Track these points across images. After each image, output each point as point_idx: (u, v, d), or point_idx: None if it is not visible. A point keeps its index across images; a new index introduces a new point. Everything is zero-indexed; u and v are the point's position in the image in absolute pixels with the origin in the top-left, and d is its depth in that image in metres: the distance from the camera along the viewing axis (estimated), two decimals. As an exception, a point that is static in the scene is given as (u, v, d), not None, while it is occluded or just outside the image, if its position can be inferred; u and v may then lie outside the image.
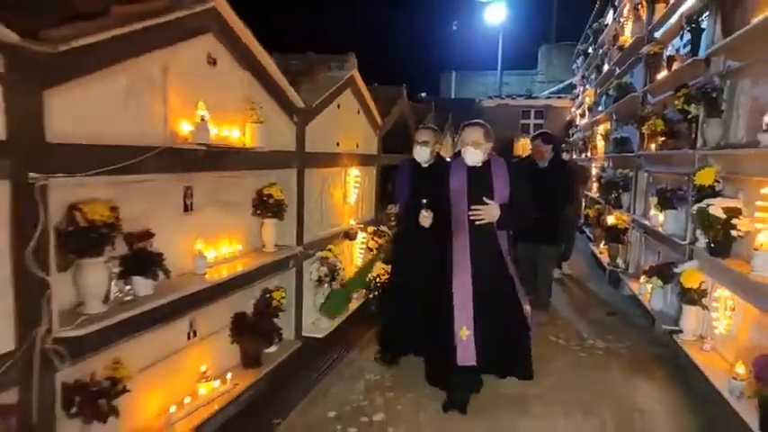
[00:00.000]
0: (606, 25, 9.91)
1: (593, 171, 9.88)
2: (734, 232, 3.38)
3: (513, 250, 3.91)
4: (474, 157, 3.50)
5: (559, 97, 17.10)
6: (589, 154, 10.80)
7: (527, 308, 3.70)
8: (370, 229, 5.44)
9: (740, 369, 3.11)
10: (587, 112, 11.83)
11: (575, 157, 12.03)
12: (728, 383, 3.15)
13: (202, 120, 2.72)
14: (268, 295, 3.69)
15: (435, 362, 3.73)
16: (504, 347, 3.64)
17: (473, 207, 3.44)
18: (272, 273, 3.78)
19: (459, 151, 3.59)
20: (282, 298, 3.75)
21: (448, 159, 4.21)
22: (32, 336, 1.93)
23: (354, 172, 5.19)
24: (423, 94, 17.29)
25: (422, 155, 4.15)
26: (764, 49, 3.34)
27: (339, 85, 4.64)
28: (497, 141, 4.23)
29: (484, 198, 3.43)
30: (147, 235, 2.55)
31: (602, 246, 7.72)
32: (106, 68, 2.17)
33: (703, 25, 4.38)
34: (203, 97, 2.80)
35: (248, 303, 3.61)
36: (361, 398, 3.54)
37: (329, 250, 4.46)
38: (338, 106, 4.74)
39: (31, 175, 1.87)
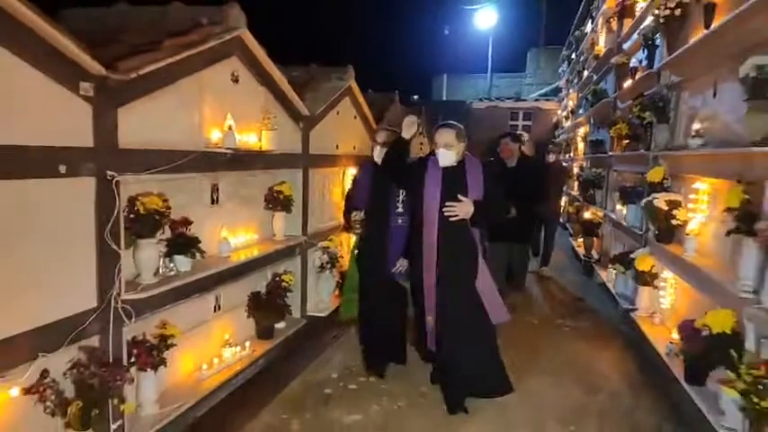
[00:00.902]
0: (586, 34, 10.54)
1: (575, 170, 10.52)
2: (674, 221, 4.00)
3: (486, 248, 4.01)
4: (447, 157, 3.57)
5: (547, 100, 17.73)
6: (572, 154, 11.45)
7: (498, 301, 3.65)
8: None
9: (675, 335, 3.74)
10: (570, 115, 12.48)
11: (561, 157, 12.67)
12: (666, 347, 3.78)
13: (230, 128, 3.32)
14: (278, 278, 4.28)
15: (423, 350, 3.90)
16: (467, 347, 3.57)
17: (447, 204, 3.50)
18: (281, 258, 4.38)
19: (433, 151, 3.63)
20: (290, 280, 4.34)
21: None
22: (109, 296, 2.51)
23: (351, 171, 5.78)
24: (415, 97, 17.92)
25: (381, 156, 4.11)
26: (697, 67, 3.97)
27: (338, 95, 5.23)
28: (486, 142, 4.77)
29: (458, 195, 3.49)
30: (186, 222, 3.14)
31: (579, 239, 8.35)
32: (160, 90, 2.76)
33: (657, 42, 5.00)
34: (230, 109, 3.40)
35: (262, 284, 4.20)
36: (360, 364, 4.13)
37: (330, 240, 5.06)
38: (337, 113, 5.34)
39: (109, 172, 2.45)
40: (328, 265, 5.04)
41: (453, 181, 3.56)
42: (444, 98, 20.61)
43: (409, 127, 3.73)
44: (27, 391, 2.11)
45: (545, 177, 6.66)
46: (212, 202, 3.60)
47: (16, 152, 2.05)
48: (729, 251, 3.12)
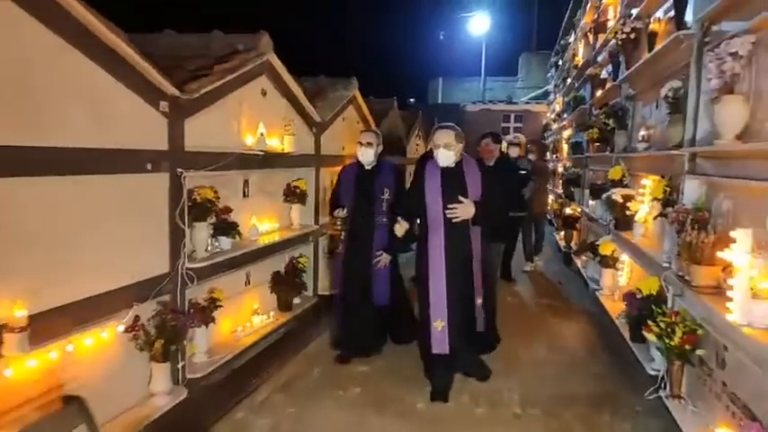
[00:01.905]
0: (569, 43, 11.35)
1: (560, 170, 11.31)
2: (628, 212, 4.79)
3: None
4: (446, 158, 3.66)
5: (537, 102, 18.56)
6: (557, 155, 12.26)
7: (479, 301, 3.83)
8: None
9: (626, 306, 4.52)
10: (557, 118, 13.28)
11: (547, 157, 13.49)
12: (619, 316, 4.56)
13: (261, 134, 4.09)
14: (295, 260, 5.05)
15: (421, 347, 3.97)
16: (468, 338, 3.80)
17: (449, 206, 3.56)
18: (297, 244, 5.15)
19: (431, 152, 3.88)
20: (305, 263, 5.11)
21: (388, 160, 4.65)
22: (177, 264, 3.28)
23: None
24: (411, 100, 18.73)
25: (366, 156, 4.39)
26: (645, 82, 4.77)
27: (344, 103, 6.01)
28: (480, 143, 5.32)
29: (459, 197, 3.56)
30: (228, 210, 3.90)
31: (561, 233, 9.15)
32: (212, 105, 3.54)
33: (620, 59, 5.79)
34: (260, 119, 4.17)
35: (281, 265, 4.96)
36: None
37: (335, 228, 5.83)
38: (343, 119, 6.11)
39: (178, 169, 3.22)
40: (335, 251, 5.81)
41: (453, 182, 3.64)
42: (440, 101, 21.40)
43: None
44: (127, 330, 2.87)
45: (521, 179, 6.96)
46: (244, 195, 4.36)
47: (119, 153, 2.82)
48: (659, 232, 3.91)
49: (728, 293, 2.30)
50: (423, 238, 3.75)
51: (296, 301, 5.09)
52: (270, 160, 4.41)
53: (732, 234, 2.31)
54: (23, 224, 2.30)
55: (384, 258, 4.35)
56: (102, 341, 2.70)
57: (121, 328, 2.83)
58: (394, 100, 8.53)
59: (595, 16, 7.79)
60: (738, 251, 2.25)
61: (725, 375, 2.71)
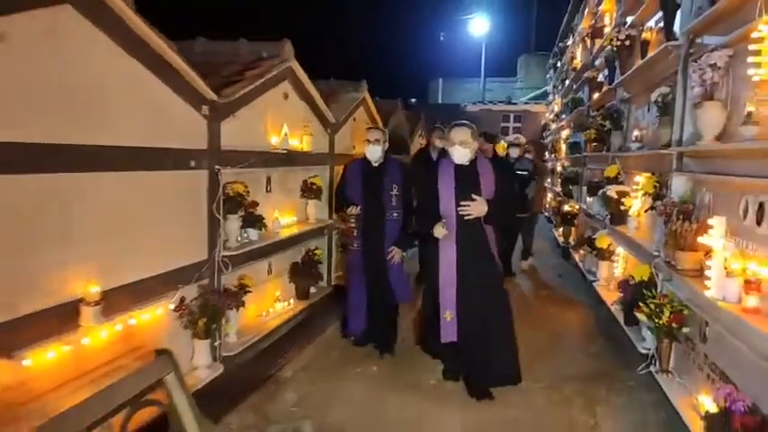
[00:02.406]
0: (568, 46, 11.71)
1: (558, 169, 11.67)
2: (622, 207, 5.15)
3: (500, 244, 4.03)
4: (462, 155, 3.67)
5: (536, 103, 18.91)
6: (556, 155, 12.62)
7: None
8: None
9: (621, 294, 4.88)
10: (556, 119, 13.64)
11: (546, 156, 13.87)
12: (614, 303, 4.92)
13: (285, 135, 4.44)
14: (311, 252, 5.40)
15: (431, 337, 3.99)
16: (490, 338, 3.71)
17: (462, 203, 3.58)
18: (313, 237, 5.49)
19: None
20: (320, 254, 5.46)
21: (393, 157, 4.72)
22: (213, 252, 3.63)
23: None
24: (413, 100, 19.05)
25: (374, 153, 4.41)
26: (639, 86, 5.12)
27: (355, 105, 6.36)
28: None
29: (472, 194, 3.59)
30: (255, 204, 4.25)
31: (560, 229, 9.50)
32: (244, 108, 3.88)
33: (616, 64, 6.14)
34: (283, 120, 4.52)
35: (298, 257, 5.30)
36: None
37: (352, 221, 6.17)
38: (354, 120, 6.46)
39: (216, 166, 3.57)
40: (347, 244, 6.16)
41: (467, 180, 3.67)
42: (440, 101, 21.76)
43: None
44: (176, 309, 3.22)
45: (523, 180, 7.32)
46: (266, 191, 4.71)
47: (169, 152, 3.17)
48: (651, 225, 4.27)
49: (706, 273, 2.66)
50: (433, 236, 3.72)
51: (312, 290, 5.44)
52: (291, 158, 4.76)
53: (709, 221, 2.67)
54: (94, 214, 2.65)
55: (397, 253, 4.37)
56: (156, 317, 3.05)
57: (172, 306, 3.18)
58: (399, 101, 8.88)
59: (593, 22, 8.15)
60: (715, 236, 2.61)
61: (706, 348, 3.07)
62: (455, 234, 3.65)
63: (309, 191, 5.34)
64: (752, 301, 2.34)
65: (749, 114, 2.52)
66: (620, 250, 5.52)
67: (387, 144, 4.52)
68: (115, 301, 2.71)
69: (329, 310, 5.44)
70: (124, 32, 2.72)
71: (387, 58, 26.50)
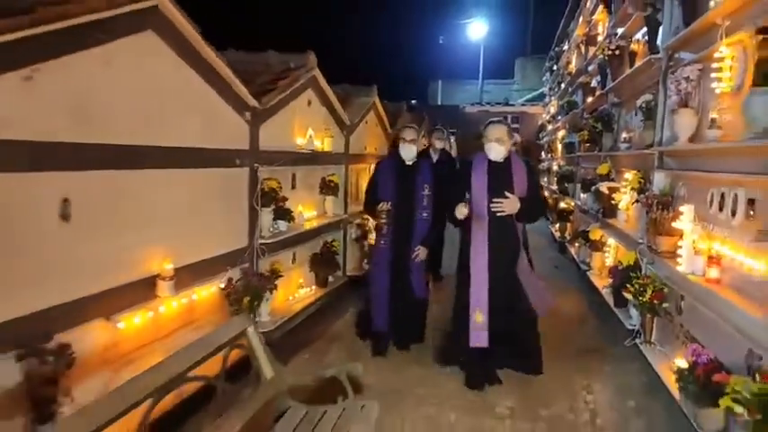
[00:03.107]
0: (564, 51, 12.24)
1: (554, 168, 12.20)
2: (613, 202, 5.68)
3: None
4: (497, 152, 3.71)
5: (533, 104, 19.46)
6: (552, 155, 13.16)
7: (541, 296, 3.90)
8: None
9: (611, 279, 5.41)
10: (552, 120, 14.18)
11: (542, 156, 14.40)
12: (605, 288, 5.45)
13: (310, 137, 4.95)
14: (328, 244, 5.90)
15: (452, 343, 4.04)
16: (514, 335, 3.84)
17: (495, 200, 3.61)
18: (330, 230, 5.99)
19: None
20: (337, 246, 5.97)
21: (424, 158, 4.85)
22: (252, 240, 4.13)
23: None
24: (413, 101, 19.53)
25: (409, 152, 4.46)
26: (626, 93, 5.65)
27: (367, 108, 6.87)
28: (478, 142, 6.12)
29: (505, 192, 3.63)
30: (284, 198, 4.74)
31: (556, 225, 10.04)
32: (277, 114, 4.39)
33: (607, 71, 6.67)
34: (308, 124, 5.02)
35: (317, 248, 5.81)
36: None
37: (364, 218, 6.69)
38: (365, 122, 6.97)
39: (255, 165, 4.07)
40: (362, 238, 6.68)
41: (500, 177, 3.70)
42: (439, 103, 22.29)
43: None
44: (225, 288, 3.72)
45: None
46: (292, 187, 5.21)
47: (219, 152, 3.67)
48: (637, 217, 4.80)
49: (678, 252, 3.18)
50: (466, 231, 3.78)
51: (330, 279, 5.94)
52: (313, 158, 5.26)
53: (680, 209, 3.19)
54: (164, 204, 3.15)
55: (422, 252, 4.37)
56: (211, 294, 3.55)
57: (222, 284, 3.68)
58: (404, 103, 9.40)
59: (587, 30, 8.68)
60: (684, 221, 3.13)
61: (682, 319, 3.59)
62: (487, 231, 3.64)
63: (327, 187, 5.84)
64: (713, 273, 2.86)
65: (713, 120, 3.04)
66: (611, 241, 6.05)
67: (419, 143, 4.53)
68: (182, 278, 3.20)
69: (345, 298, 5.96)
70: (189, 50, 3.22)
71: (388, 60, 27.06)
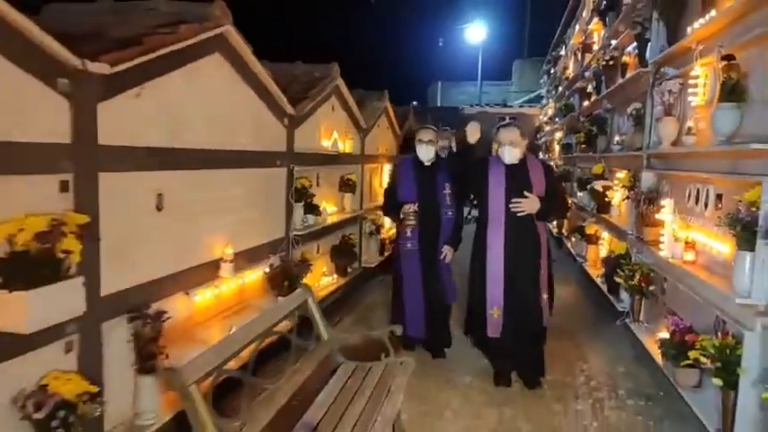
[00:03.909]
0: (561, 56, 12.82)
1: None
2: (607, 199, 6.24)
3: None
4: (512, 155, 3.77)
5: (530, 106, 19.99)
6: (549, 155, 13.75)
7: (544, 296, 3.88)
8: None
9: (604, 268, 5.98)
10: (549, 121, 14.77)
11: (539, 156, 14.97)
12: (598, 276, 6.02)
13: (335, 140, 5.49)
14: (347, 237, 6.45)
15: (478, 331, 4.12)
16: (526, 332, 3.84)
17: (514, 200, 3.65)
18: (348, 225, 6.54)
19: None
20: (355, 239, 6.51)
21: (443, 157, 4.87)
22: (288, 231, 4.68)
23: (387, 167, 7.97)
24: (414, 103, 20.05)
25: (427, 153, 4.41)
26: (619, 100, 6.22)
27: (380, 113, 7.43)
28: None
29: (524, 191, 3.67)
30: (313, 195, 5.29)
31: (554, 222, 10.61)
32: (307, 119, 4.93)
33: (602, 78, 7.24)
34: (332, 128, 5.57)
35: (337, 241, 6.35)
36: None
37: (378, 213, 7.25)
38: (378, 126, 7.53)
39: (291, 165, 4.62)
40: (375, 232, 7.24)
41: (517, 178, 3.75)
42: (439, 104, 22.86)
43: (474, 133, 4.24)
44: (268, 271, 4.26)
45: None
46: (317, 185, 5.75)
47: (264, 154, 4.21)
48: (628, 212, 5.37)
49: (661, 239, 3.75)
50: (482, 232, 3.84)
51: (349, 269, 6.49)
52: (336, 159, 5.81)
53: (662, 203, 3.76)
54: (224, 198, 3.69)
55: (449, 252, 4.37)
56: (257, 278, 4.10)
57: (267, 269, 4.23)
58: (411, 106, 9.96)
59: (583, 38, 9.24)
60: (665, 212, 3.70)
61: (665, 299, 4.15)
62: (503, 232, 3.69)
63: (346, 185, 6.39)
64: (689, 256, 3.43)
65: (689, 128, 3.61)
66: (605, 235, 6.62)
67: (438, 143, 4.52)
68: (238, 262, 3.75)
69: (362, 286, 6.52)
70: (244, 67, 3.76)
71: (390, 63, 27.60)
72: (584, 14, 9.37)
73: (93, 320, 2.49)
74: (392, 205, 4.50)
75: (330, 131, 5.54)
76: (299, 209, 4.96)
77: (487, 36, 22.45)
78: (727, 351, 2.70)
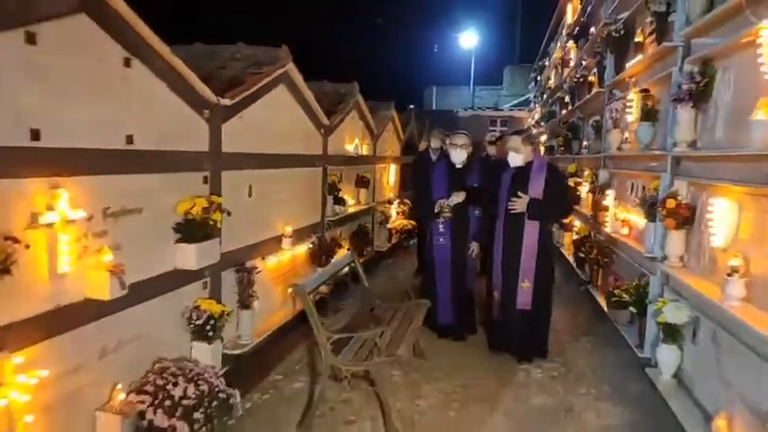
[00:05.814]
0: (545, 66, 14.17)
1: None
2: (577, 192, 7.56)
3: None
4: (515, 159, 4.16)
5: (520, 109, 21.31)
6: (536, 155, 15.07)
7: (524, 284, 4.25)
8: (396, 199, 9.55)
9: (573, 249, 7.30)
10: (536, 125, 16.10)
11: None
12: (570, 255, 7.34)
13: (356, 145, 6.79)
14: (362, 225, 7.73)
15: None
16: (525, 319, 4.31)
17: (511, 199, 4.12)
18: (363, 215, 7.83)
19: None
20: (368, 228, 7.80)
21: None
22: (323, 216, 5.96)
23: (393, 167, 9.28)
24: (411, 106, 21.36)
25: (459, 156, 4.73)
26: (586, 111, 7.55)
27: (387, 120, 8.73)
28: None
29: (519, 193, 4.09)
30: (340, 189, 6.57)
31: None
32: (337, 129, 6.21)
33: (575, 92, 8.56)
34: (353, 134, 6.86)
35: (354, 228, 7.63)
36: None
37: (386, 206, 8.55)
38: (386, 131, 8.82)
39: (325, 165, 5.90)
40: (384, 222, 8.54)
41: (519, 180, 4.16)
42: (434, 107, 24.16)
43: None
44: (311, 248, 5.54)
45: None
46: (339, 181, 7.03)
47: (306, 157, 5.49)
48: (593, 202, 6.69)
49: (606, 220, 5.08)
50: (492, 223, 4.38)
51: (365, 252, 7.78)
52: (356, 159, 7.10)
53: (607, 192, 5.09)
54: (284, 189, 4.97)
55: (476, 247, 4.84)
56: (302, 253, 5.39)
57: (310, 245, 5.52)
58: (412, 112, 11.27)
59: (562, 54, 10.58)
60: (609, 198, 5.02)
61: (614, 267, 5.47)
62: (502, 227, 4.21)
63: (362, 182, 7.67)
64: (624, 230, 4.75)
65: (626, 138, 4.93)
66: (577, 223, 7.94)
67: (470, 148, 4.82)
68: (292, 238, 5.02)
69: (376, 264, 7.80)
70: (297, 92, 5.04)
71: (386, 67, 28.92)
72: (563, 32, 10.70)
73: (219, 268, 3.77)
74: (428, 202, 4.80)
75: (353, 137, 6.83)
76: (330, 200, 6.24)
77: (480, 43, 23.86)
78: (640, 290, 4.03)
